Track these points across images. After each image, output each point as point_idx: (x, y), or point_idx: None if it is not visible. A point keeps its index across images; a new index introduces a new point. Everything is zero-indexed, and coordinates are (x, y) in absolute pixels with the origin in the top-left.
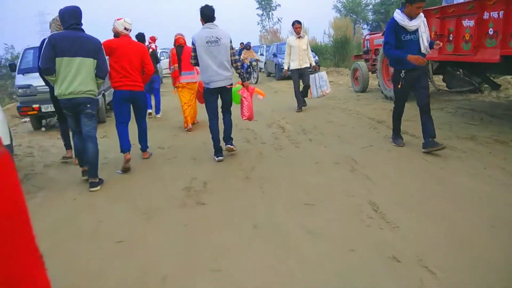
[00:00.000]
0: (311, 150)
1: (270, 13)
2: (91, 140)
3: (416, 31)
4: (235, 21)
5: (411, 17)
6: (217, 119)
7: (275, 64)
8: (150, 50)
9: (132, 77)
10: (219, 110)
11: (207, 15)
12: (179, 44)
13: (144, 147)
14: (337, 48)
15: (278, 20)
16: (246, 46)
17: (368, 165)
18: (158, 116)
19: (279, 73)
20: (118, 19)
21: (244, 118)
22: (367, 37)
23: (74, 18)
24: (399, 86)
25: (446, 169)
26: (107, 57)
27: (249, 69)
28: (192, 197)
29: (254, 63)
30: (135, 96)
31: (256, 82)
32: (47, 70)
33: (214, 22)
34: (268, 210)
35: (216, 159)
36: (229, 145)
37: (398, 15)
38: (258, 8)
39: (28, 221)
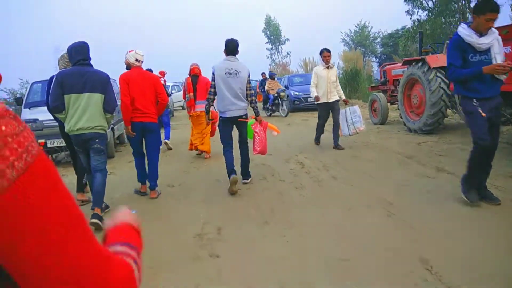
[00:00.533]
0: (337, 189)
1: (279, 47)
2: (99, 172)
3: (488, 51)
4: (244, 55)
5: (480, 32)
6: (231, 147)
7: (287, 96)
8: None
9: (144, 109)
10: (232, 139)
11: (231, 48)
12: (194, 74)
13: (152, 186)
14: (348, 80)
15: (287, 53)
16: (270, 76)
17: (406, 208)
18: (167, 141)
19: (291, 105)
20: (129, 51)
21: (255, 153)
22: (384, 67)
23: (81, 54)
24: (481, 114)
25: (500, 213)
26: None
27: (276, 101)
28: (205, 247)
29: (282, 93)
30: (146, 128)
31: (286, 115)
32: (55, 108)
33: (236, 56)
34: (294, 266)
35: (230, 178)
36: (245, 180)
37: (464, 30)
38: (267, 42)
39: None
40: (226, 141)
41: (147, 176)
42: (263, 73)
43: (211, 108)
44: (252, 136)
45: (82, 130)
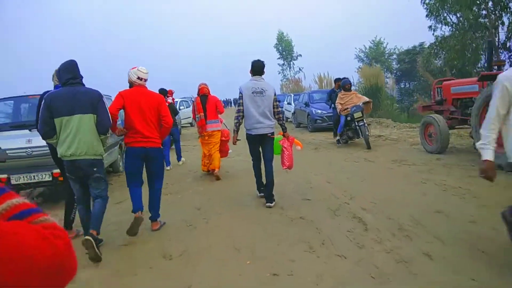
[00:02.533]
0: (448, 285)
1: (292, 62)
2: (101, 199)
3: None
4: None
5: None
6: (259, 161)
7: (308, 115)
8: (167, 103)
9: (145, 132)
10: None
11: (257, 69)
12: (203, 94)
13: (154, 216)
14: (369, 97)
15: (299, 69)
16: (343, 85)
17: None
18: (180, 162)
19: (313, 124)
20: (132, 68)
21: (284, 168)
22: (440, 83)
23: (69, 73)
24: None
25: None
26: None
27: (353, 124)
28: None
29: (357, 114)
30: (149, 154)
31: (368, 147)
32: (45, 134)
33: (262, 76)
34: None
35: (259, 194)
36: (269, 203)
37: None
38: (279, 58)
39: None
40: (254, 154)
41: (149, 206)
42: (337, 80)
43: (223, 127)
44: (279, 151)
45: (75, 156)
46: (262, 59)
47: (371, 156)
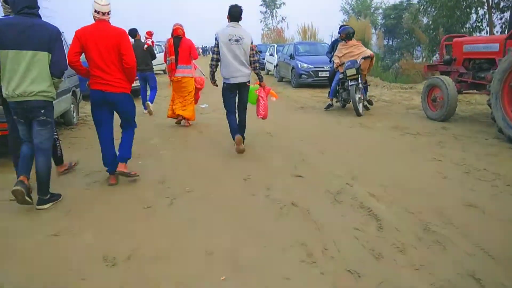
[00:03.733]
0: None
1: (274, 11)
2: (43, 153)
3: None
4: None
5: None
6: (235, 114)
7: (292, 68)
8: (146, 46)
9: (103, 74)
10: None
11: (234, 15)
12: (177, 35)
13: (122, 155)
14: None
15: (282, 18)
16: (347, 34)
17: None
18: (146, 111)
19: (297, 79)
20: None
21: (259, 117)
22: (449, 40)
23: (27, 1)
24: None
25: None
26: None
27: (345, 84)
28: None
29: (351, 71)
30: (107, 99)
31: (358, 114)
32: None
33: (239, 22)
34: None
35: (235, 138)
36: (239, 135)
37: None
38: (261, 5)
39: None
40: (230, 107)
41: (119, 146)
42: (342, 30)
43: (199, 74)
44: (255, 101)
45: (24, 97)
46: (240, 4)
47: (367, 121)
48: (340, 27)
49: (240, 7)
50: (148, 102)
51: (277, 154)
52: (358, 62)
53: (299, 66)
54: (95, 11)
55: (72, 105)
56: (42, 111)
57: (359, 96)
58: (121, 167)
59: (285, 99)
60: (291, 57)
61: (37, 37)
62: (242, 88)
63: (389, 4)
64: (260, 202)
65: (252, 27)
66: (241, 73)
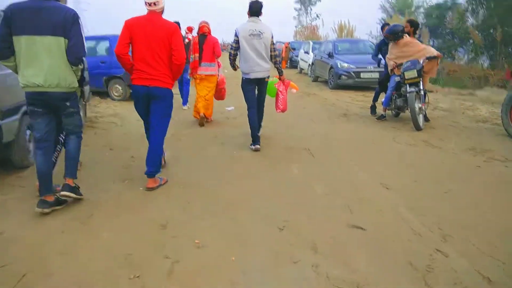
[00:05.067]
0: None
1: (309, 8)
2: (75, 134)
3: None
4: (267, 13)
5: None
6: (255, 108)
7: (330, 68)
8: (186, 40)
9: (149, 69)
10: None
11: (254, 10)
12: (202, 33)
13: (151, 170)
14: None
15: (317, 16)
16: (394, 35)
17: None
18: (185, 107)
19: (336, 80)
20: None
21: (278, 111)
22: None
23: None
24: None
25: None
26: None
27: (403, 89)
28: None
29: (410, 73)
30: (151, 93)
31: (417, 128)
32: None
33: (259, 17)
34: None
35: (253, 147)
36: (258, 145)
37: None
38: (296, 1)
39: None
40: (251, 102)
41: (146, 159)
42: (384, 26)
43: (221, 73)
44: (274, 94)
45: (44, 87)
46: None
47: (432, 138)
48: (382, 26)
49: (261, 2)
50: (183, 107)
51: (320, 184)
52: (421, 62)
53: (339, 66)
54: (144, 2)
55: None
56: (68, 103)
57: (420, 105)
58: (150, 183)
59: (322, 103)
60: (330, 55)
61: (51, 21)
62: (261, 83)
63: (432, 3)
64: (306, 280)
65: (285, 24)
66: (261, 68)
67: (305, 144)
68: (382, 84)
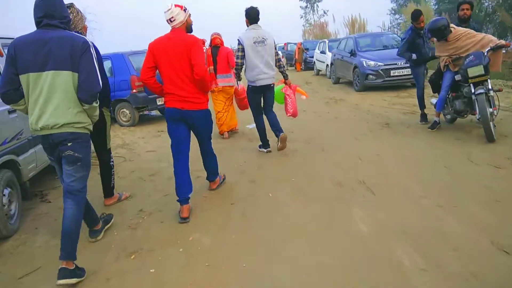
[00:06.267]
0: None
1: (315, 5)
2: (71, 197)
3: None
4: (273, 14)
5: None
6: (262, 115)
7: (354, 67)
8: None
9: (179, 90)
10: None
11: (253, 17)
12: (215, 45)
13: (211, 177)
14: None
15: (324, 12)
16: (440, 32)
17: None
18: None
19: (363, 81)
20: None
21: (288, 115)
22: None
23: (42, 10)
24: None
25: None
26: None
27: (465, 89)
28: None
29: (476, 69)
30: (185, 117)
31: (490, 139)
32: (5, 96)
33: (259, 23)
34: None
35: (265, 150)
36: (282, 134)
37: None
38: (301, 0)
39: None
40: (257, 109)
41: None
42: (428, 26)
43: (240, 84)
44: (283, 100)
45: (48, 130)
46: (255, 5)
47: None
48: (412, 16)
49: (257, 7)
50: None
51: (403, 245)
52: (486, 54)
53: (365, 65)
54: (166, 19)
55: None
56: (69, 144)
57: (491, 110)
58: (212, 185)
59: (355, 110)
60: (352, 53)
61: (57, 53)
62: (267, 90)
63: None
64: None
65: (292, 24)
66: (267, 75)
67: (357, 174)
68: (433, 83)
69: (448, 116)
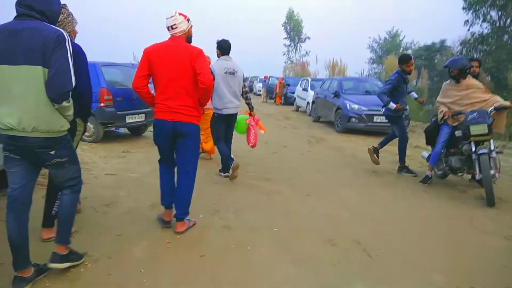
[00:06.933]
0: None
1: (298, 45)
2: (70, 189)
3: None
4: (258, 49)
5: None
6: (224, 140)
7: (337, 109)
8: None
9: (172, 101)
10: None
11: (225, 48)
12: None
13: (179, 213)
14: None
15: (306, 53)
16: (461, 69)
17: None
18: None
19: (345, 123)
20: None
21: (250, 145)
22: None
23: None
24: None
25: None
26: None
27: (464, 147)
28: None
29: (479, 129)
30: (177, 129)
31: (491, 203)
32: None
33: (230, 55)
34: None
35: (223, 175)
36: (234, 162)
37: None
38: (286, 38)
39: None
40: (220, 135)
41: (175, 200)
42: (452, 60)
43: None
44: (245, 130)
45: (18, 132)
46: (226, 39)
47: None
48: (402, 58)
49: (228, 40)
50: None
51: None
52: (489, 113)
53: (348, 107)
54: (167, 27)
55: None
56: (52, 151)
57: (493, 172)
58: (178, 227)
59: (338, 153)
60: (336, 94)
61: (28, 46)
62: (232, 119)
63: (419, 45)
64: None
65: (274, 59)
66: (233, 105)
67: (350, 230)
68: (429, 135)
69: (440, 172)
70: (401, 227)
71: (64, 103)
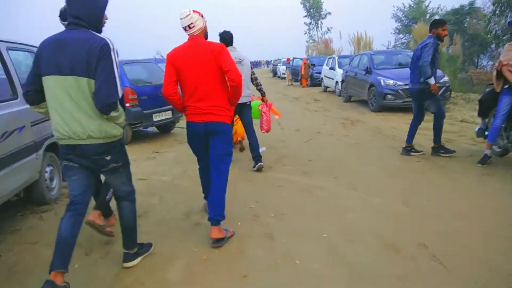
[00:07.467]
0: None
1: (319, 21)
2: (127, 199)
3: None
4: (277, 30)
5: None
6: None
7: (370, 86)
8: None
9: (202, 103)
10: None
11: (228, 40)
12: None
13: (214, 216)
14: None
15: (328, 29)
16: None
17: None
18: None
19: (380, 101)
20: None
21: (263, 131)
22: None
23: (73, 8)
24: None
25: None
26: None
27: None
28: None
29: None
30: (208, 129)
31: None
32: (27, 96)
33: (234, 46)
34: None
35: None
36: (260, 164)
37: None
38: (306, 16)
39: None
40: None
41: (208, 205)
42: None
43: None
44: (259, 116)
45: (74, 140)
46: (228, 30)
47: None
48: (436, 23)
49: (230, 31)
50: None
51: None
52: None
53: (383, 84)
54: (183, 27)
55: (48, 171)
56: (108, 157)
57: None
58: (214, 233)
59: (377, 135)
60: (367, 71)
61: (73, 57)
62: (244, 108)
63: (447, 9)
64: None
65: (295, 40)
66: (244, 93)
67: (412, 231)
68: (483, 106)
69: (499, 149)
70: (471, 223)
71: (113, 113)
